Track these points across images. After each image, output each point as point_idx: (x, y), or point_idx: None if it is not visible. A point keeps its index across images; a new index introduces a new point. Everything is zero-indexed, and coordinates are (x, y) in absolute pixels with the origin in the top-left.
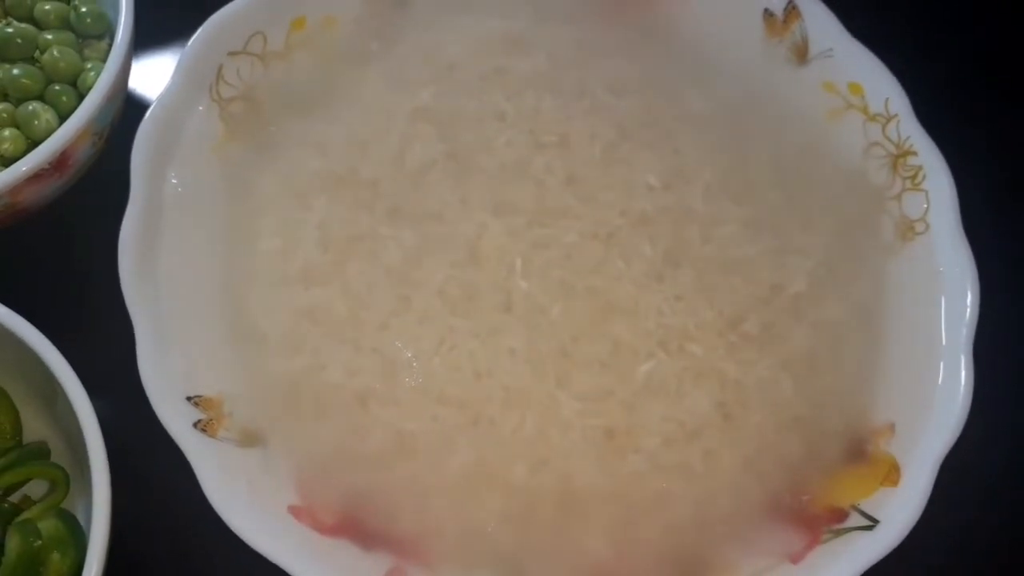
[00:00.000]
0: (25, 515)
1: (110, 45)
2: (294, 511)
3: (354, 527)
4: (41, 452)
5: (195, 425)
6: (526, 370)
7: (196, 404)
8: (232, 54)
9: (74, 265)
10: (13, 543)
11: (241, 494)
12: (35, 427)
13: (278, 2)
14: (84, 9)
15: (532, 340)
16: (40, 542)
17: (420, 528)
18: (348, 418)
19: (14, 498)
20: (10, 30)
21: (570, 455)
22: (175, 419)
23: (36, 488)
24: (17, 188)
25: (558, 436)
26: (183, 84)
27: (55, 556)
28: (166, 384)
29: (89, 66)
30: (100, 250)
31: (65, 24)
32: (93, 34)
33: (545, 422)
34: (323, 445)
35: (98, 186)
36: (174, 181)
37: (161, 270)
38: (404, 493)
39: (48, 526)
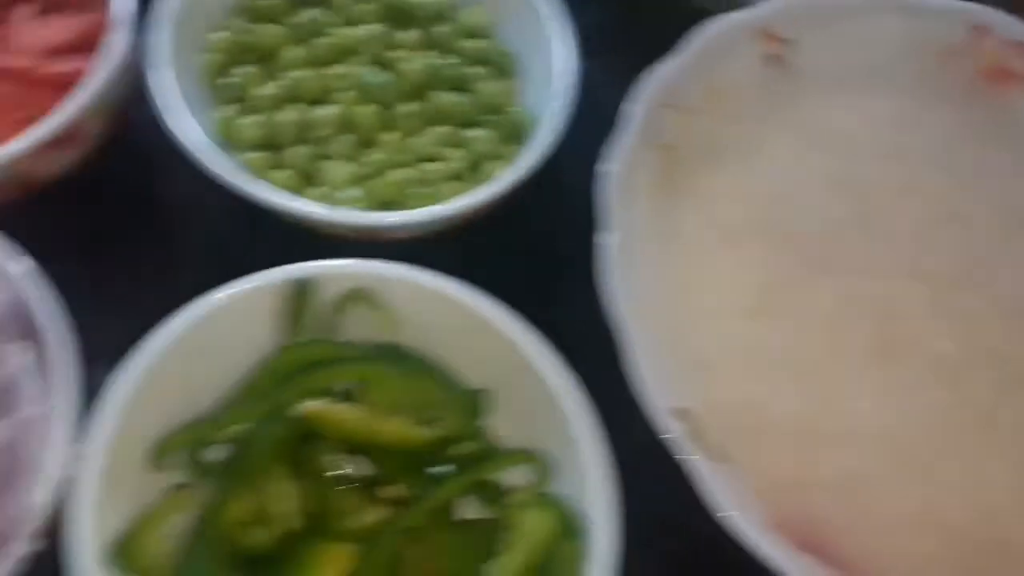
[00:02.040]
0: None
1: None
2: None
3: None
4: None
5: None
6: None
7: (681, 417)
8: (664, 106)
9: None
10: (533, 522)
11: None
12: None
13: (700, 65)
14: None
15: (952, 404)
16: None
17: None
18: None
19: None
20: None
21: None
22: (670, 428)
23: None
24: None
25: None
26: (633, 132)
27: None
28: (660, 393)
29: None
30: None
31: None
32: None
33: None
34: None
35: None
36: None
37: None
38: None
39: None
